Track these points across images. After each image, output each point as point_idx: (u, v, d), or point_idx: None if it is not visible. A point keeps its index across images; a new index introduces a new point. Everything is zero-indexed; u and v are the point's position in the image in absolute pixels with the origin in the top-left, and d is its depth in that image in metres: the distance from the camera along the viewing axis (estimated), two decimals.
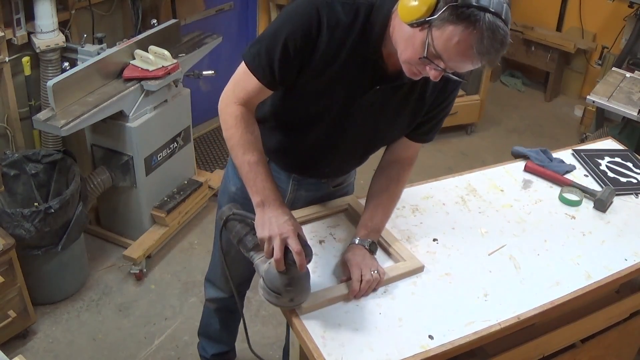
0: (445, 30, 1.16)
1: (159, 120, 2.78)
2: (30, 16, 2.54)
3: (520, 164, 2.09)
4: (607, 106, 2.97)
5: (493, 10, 1.14)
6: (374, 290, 1.49)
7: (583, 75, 4.71)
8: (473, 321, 1.44)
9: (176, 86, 2.85)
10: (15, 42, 2.54)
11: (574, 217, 1.87)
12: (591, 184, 2.03)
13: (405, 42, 1.25)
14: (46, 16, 2.52)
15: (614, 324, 1.91)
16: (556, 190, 1.97)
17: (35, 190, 2.61)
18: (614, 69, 3.38)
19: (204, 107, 3.60)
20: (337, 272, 1.55)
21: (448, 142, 4.09)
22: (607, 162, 2.15)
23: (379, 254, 1.60)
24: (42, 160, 2.58)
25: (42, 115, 2.37)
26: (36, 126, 2.40)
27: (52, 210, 2.33)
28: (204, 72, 3.11)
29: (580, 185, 1.98)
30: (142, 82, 2.63)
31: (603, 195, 1.91)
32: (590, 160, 2.14)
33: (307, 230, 1.46)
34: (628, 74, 3.25)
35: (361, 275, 1.46)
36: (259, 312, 2.65)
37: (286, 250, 1.33)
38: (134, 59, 2.69)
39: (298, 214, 1.66)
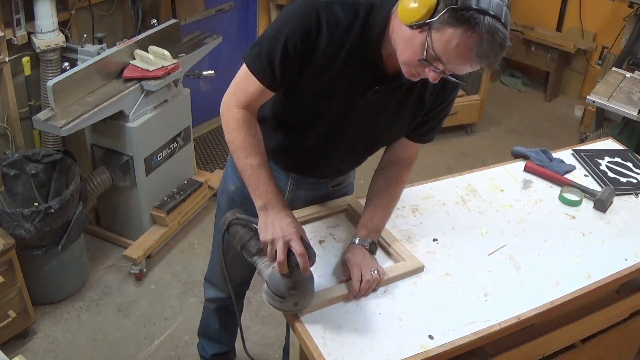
0: (444, 33, 1.16)
1: (159, 120, 2.78)
2: (30, 16, 2.54)
3: (520, 164, 2.09)
4: (607, 106, 2.97)
5: (492, 13, 1.14)
6: (374, 290, 1.49)
7: (583, 75, 4.71)
8: (473, 321, 1.44)
9: (176, 86, 2.85)
10: (15, 42, 2.54)
11: (574, 217, 1.87)
12: (591, 184, 2.03)
13: (404, 43, 1.25)
14: (46, 16, 2.52)
15: (614, 324, 1.91)
16: (556, 190, 1.98)
17: (35, 190, 2.62)
18: (614, 69, 3.38)
19: (204, 107, 3.60)
20: (337, 272, 1.55)
21: (448, 142, 4.09)
22: (607, 162, 2.15)
23: (379, 254, 1.60)
24: (42, 160, 2.58)
25: (42, 115, 2.37)
26: (36, 126, 2.40)
27: (52, 210, 2.33)
28: (204, 72, 3.11)
29: (580, 185, 1.98)
30: (142, 82, 2.63)
31: (603, 195, 1.91)
32: (590, 160, 2.14)
33: (307, 230, 1.46)
34: (628, 74, 3.25)
35: (361, 276, 1.46)
36: (259, 312, 2.65)
37: (289, 253, 1.33)
38: (134, 59, 2.69)
39: (298, 214, 1.66)
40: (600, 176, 2.05)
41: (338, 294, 1.46)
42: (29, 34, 2.57)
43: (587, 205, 1.92)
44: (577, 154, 2.18)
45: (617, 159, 2.17)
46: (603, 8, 4.27)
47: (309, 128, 1.54)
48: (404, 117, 1.51)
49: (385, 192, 1.61)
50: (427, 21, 1.17)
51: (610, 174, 2.08)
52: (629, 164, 2.15)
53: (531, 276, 1.60)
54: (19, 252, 2.30)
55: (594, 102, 2.99)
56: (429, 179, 1.98)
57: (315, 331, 1.38)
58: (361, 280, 1.45)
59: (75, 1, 2.72)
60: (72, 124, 2.35)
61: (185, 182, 3.12)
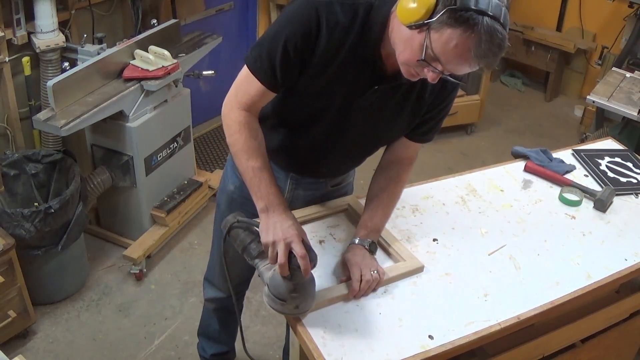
0: (443, 33, 1.16)
1: (159, 120, 2.78)
2: (30, 16, 2.54)
3: (520, 164, 2.09)
4: (607, 106, 2.97)
5: (491, 13, 1.14)
6: (374, 290, 1.49)
7: (583, 75, 4.71)
8: (473, 321, 1.44)
9: (176, 86, 2.85)
10: (15, 42, 2.54)
11: (574, 217, 1.87)
12: (591, 184, 2.03)
13: (403, 43, 1.25)
14: (46, 16, 2.52)
15: (614, 324, 1.91)
16: (556, 190, 1.98)
17: (35, 190, 2.62)
18: (614, 69, 3.38)
19: (204, 107, 3.60)
20: (337, 272, 1.55)
21: (448, 142, 4.09)
22: (607, 162, 2.15)
23: (379, 254, 1.60)
24: (42, 160, 2.58)
25: (42, 115, 2.37)
26: (36, 126, 2.40)
27: (52, 210, 2.33)
28: (204, 72, 3.11)
29: (580, 185, 1.98)
30: (142, 82, 2.63)
31: (603, 195, 1.91)
32: (590, 160, 2.14)
33: (307, 230, 1.45)
34: (628, 74, 3.25)
35: (361, 275, 1.46)
36: (259, 312, 2.65)
37: (291, 255, 1.32)
38: (134, 59, 2.69)
39: (297, 214, 1.66)
40: (600, 176, 2.05)
41: (338, 294, 1.46)
42: (29, 34, 2.57)
43: (587, 205, 1.92)
44: (577, 154, 2.18)
45: (617, 159, 2.17)
46: (603, 8, 4.27)
47: (309, 128, 1.54)
48: (404, 117, 1.51)
49: (385, 192, 1.61)
50: (426, 21, 1.17)
51: (610, 174, 2.08)
52: (629, 164, 2.15)
53: (531, 276, 1.60)
54: (19, 252, 2.30)
55: (594, 102, 2.99)
56: (429, 179, 1.98)
57: (315, 331, 1.38)
58: (361, 280, 1.45)
59: (75, 1, 2.72)
60: (72, 124, 2.35)
61: (185, 182, 3.12)
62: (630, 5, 3.61)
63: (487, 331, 1.43)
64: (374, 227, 1.58)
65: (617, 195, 1.96)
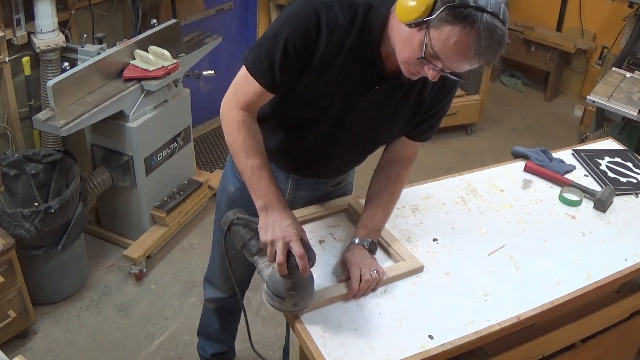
0: (443, 31, 1.16)
1: (159, 120, 2.78)
2: (30, 16, 2.54)
3: (520, 164, 2.09)
4: (607, 106, 2.97)
5: (491, 10, 1.14)
6: (374, 290, 1.49)
7: (583, 75, 4.71)
8: (473, 321, 1.44)
9: (176, 86, 2.85)
10: (15, 42, 2.54)
11: (574, 217, 1.86)
12: (591, 184, 2.03)
13: (403, 42, 1.25)
14: (46, 16, 2.52)
15: (614, 324, 1.91)
16: (556, 190, 1.97)
17: (35, 190, 2.62)
18: (614, 69, 3.38)
19: (204, 107, 3.60)
20: (336, 272, 1.55)
21: (448, 142, 4.09)
22: (607, 162, 2.15)
23: (379, 254, 1.60)
24: (42, 160, 2.58)
25: (42, 115, 2.37)
26: (36, 126, 2.40)
27: (52, 210, 2.33)
28: (204, 72, 3.11)
29: (580, 185, 1.98)
30: (142, 82, 2.63)
31: (603, 195, 1.91)
32: (590, 160, 2.14)
33: (307, 230, 1.46)
34: (628, 74, 3.25)
35: (360, 275, 1.46)
36: (259, 312, 2.65)
37: (289, 254, 1.33)
38: (134, 59, 2.69)
39: (298, 213, 1.66)
40: (600, 176, 2.05)
41: (337, 293, 1.46)
42: (29, 34, 2.57)
43: (587, 205, 1.92)
44: (577, 154, 2.18)
45: (617, 159, 2.17)
46: (603, 8, 4.27)
47: (309, 128, 1.54)
48: (404, 116, 1.51)
49: (384, 192, 1.61)
50: (425, 19, 1.17)
51: (610, 174, 2.08)
52: (629, 164, 2.15)
53: (531, 276, 1.60)
54: (19, 252, 2.30)
55: (594, 102, 2.99)
56: (429, 179, 1.98)
57: (315, 331, 1.38)
58: (360, 280, 1.45)
59: (75, 1, 2.72)
60: (72, 124, 2.35)
61: (185, 182, 3.12)
62: (630, 5, 3.61)
63: (487, 331, 1.43)
64: (374, 226, 1.58)
65: (617, 195, 1.96)
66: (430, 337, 1.39)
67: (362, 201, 1.69)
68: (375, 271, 1.48)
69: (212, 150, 3.82)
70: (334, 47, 1.35)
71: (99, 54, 2.61)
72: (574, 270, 1.64)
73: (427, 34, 1.19)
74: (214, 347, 2.21)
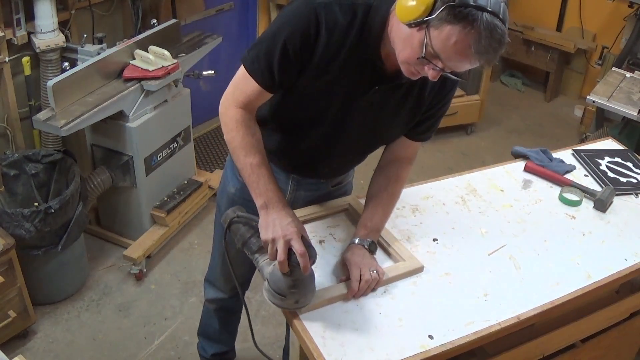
0: (443, 30, 1.16)
1: (159, 120, 2.78)
2: (30, 16, 2.54)
3: (520, 164, 2.09)
4: (607, 106, 2.97)
5: (491, 9, 1.14)
6: (373, 290, 1.49)
7: (583, 75, 4.71)
8: (473, 321, 1.44)
9: (176, 86, 2.86)
10: (15, 42, 2.54)
11: (574, 217, 1.86)
12: (591, 184, 2.03)
13: (403, 42, 1.25)
14: (46, 16, 2.52)
15: (614, 324, 1.91)
16: (556, 190, 1.97)
17: (35, 190, 2.62)
18: (614, 69, 3.38)
19: (204, 107, 3.60)
20: (336, 272, 1.55)
21: (448, 142, 4.09)
22: (607, 162, 2.15)
23: (379, 254, 1.60)
24: (42, 160, 2.58)
25: (42, 115, 2.37)
26: (36, 126, 2.40)
27: (52, 210, 2.33)
28: (204, 72, 3.11)
29: (580, 185, 1.98)
30: (142, 82, 2.63)
31: (603, 195, 1.91)
32: (590, 160, 2.14)
33: (307, 230, 1.45)
34: (628, 74, 3.25)
35: (360, 275, 1.46)
36: (259, 312, 2.65)
37: (290, 252, 1.33)
38: (134, 59, 2.69)
39: (298, 213, 1.65)
40: (600, 176, 2.05)
41: (337, 293, 1.46)
42: (29, 34, 2.57)
43: (587, 205, 1.92)
44: (577, 154, 2.18)
45: (617, 159, 2.17)
46: (603, 8, 4.27)
47: (309, 129, 1.53)
48: (403, 117, 1.51)
49: (384, 192, 1.61)
50: (425, 19, 1.17)
51: (610, 174, 2.07)
52: (629, 164, 2.15)
53: (531, 276, 1.60)
54: (19, 252, 2.30)
55: (594, 102, 2.99)
56: (429, 179, 1.98)
57: (315, 331, 1.38)
58: (360, 280, 1.45)
59: (75, 1, 2.72)
60: (72, 124, 2.35)
61: (185, 182, 3.12)
62: (630, 5, 3.61)
63: (487, 331, 1.43)
64: (374, 226, 1.58)
65: (617, 195, 1.96)
66: (430, 337, 1.39)
67: (362, 201, 1.69)
68: (375, 271, 1.47)
69: (212, 150, 3.82)
70: (333, 48, 1.35)
71: (99, 54, 2.61)
72: (574, 270, 1.64)
73: (427, 33, 1.19)
74: (214, 347, 2.21)
